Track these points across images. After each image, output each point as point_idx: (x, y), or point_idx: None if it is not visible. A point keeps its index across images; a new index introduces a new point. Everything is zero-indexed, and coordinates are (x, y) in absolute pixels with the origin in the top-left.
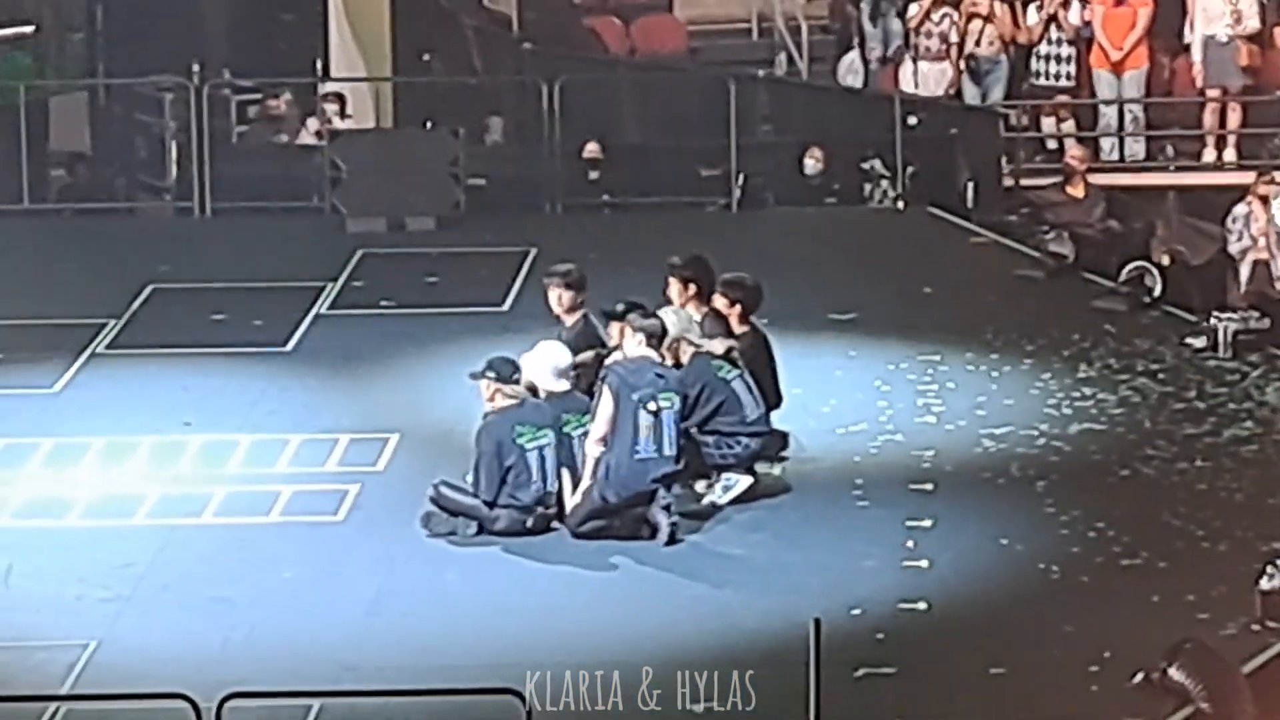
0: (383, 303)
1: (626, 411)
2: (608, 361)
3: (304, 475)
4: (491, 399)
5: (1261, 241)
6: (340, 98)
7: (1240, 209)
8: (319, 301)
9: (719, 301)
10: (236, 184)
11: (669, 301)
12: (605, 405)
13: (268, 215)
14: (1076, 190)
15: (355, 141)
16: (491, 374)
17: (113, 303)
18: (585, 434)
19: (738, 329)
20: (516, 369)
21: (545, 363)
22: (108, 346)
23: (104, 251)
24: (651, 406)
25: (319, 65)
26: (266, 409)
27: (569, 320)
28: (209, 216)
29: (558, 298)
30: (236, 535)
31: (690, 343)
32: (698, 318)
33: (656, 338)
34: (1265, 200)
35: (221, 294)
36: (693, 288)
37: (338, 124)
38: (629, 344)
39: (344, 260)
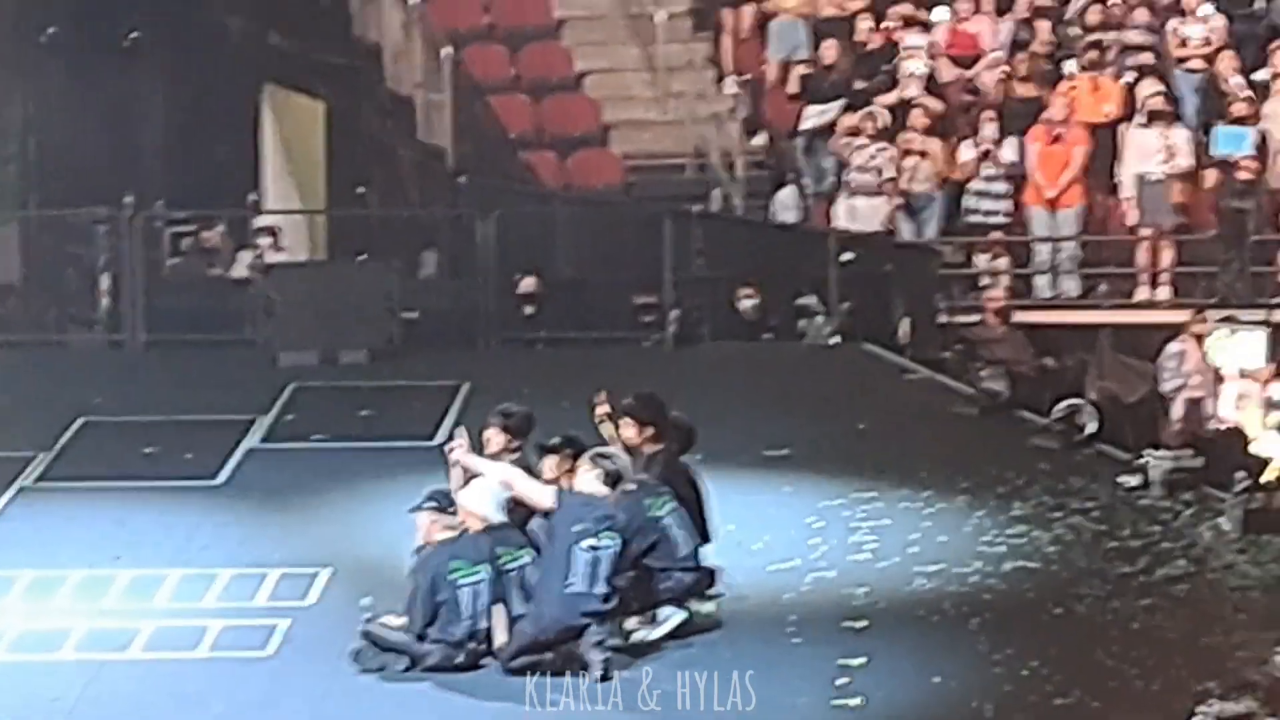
0: (314, 436)
1: (563, 543)
2: (561, 483)
3: (234, 610)
4: (428, 532)
5: (1194, 380)
6: (274, 230)
7: (1173, 347)
8: (251, 435)
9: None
10: (169, 316)
11: (598, 429)
12: (540, 491)
13: (200, 348)
14: (998, 327)
15: (289, 274)
16: (431, 504)
17: (43, 436)
18: (520, 568)
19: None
20: (454, 502)
21: (489, 493)
22: (37, 480)
23: (34, 384)
24: (589, 543)
25: (253, 197)
26: (197, 543)
27: (507, 459)
28: (141, 349)
29: (489, 439)
30: (165, 670)
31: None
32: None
33: (613, 479)
34: (1200, 339)
35: (153, 427)
36: (650, 429)
37: (271, 256)
38: (583, 479)
39: (276, 393)
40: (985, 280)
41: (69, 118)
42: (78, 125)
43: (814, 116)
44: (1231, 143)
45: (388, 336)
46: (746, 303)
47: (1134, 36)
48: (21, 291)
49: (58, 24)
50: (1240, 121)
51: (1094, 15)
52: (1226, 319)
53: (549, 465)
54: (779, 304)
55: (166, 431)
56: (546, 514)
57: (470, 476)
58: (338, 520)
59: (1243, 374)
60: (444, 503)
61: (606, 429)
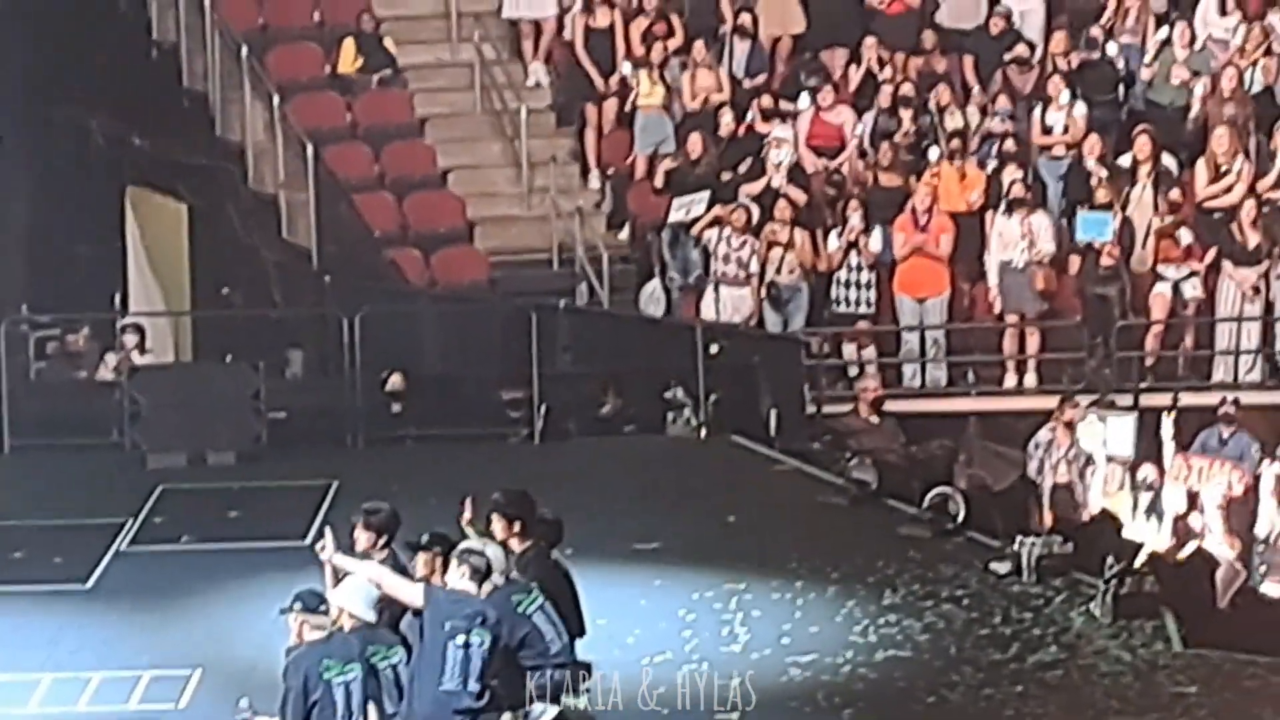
0: (183, 538)
1: (436, 640)
2: (432, 580)
3: (105, 714)
4: (299, 632)
5: (1063, 467)
6: (140, 332)
7: (1042, 434)
8: (119, 538)
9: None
10: (35, 421)
11: (464, 534)
12: (409, 588)
13: (67, 452)
14: (870, 417)
15: (154, 376)
16: (299, 605)
17: None
18: (392, 666)
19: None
20: (324, 601)
21: (359, 591)
22: None
23: None
24: (461, 640)
25: (118, 300)
26: (67, 647)
27: (376, 558)
28: (7, 454)
29: (357, 538)
30: None
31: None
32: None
33: (481, 574)
34: (1069, 426)
35: (20, 532)
36: (518, 524)
37: (137, 359)
38: (452, 575)
39: (144, 496)
40: (854, 370)
41: None
42: None
43: (680, 209)
44: (1093, 228)
45: (255, 437)
46: (606, 407)
47: (996, 124)
48: None
49: None
50: (1103, 207)
51: (956, 103)
52: (1095, 404)
53: (419, 563)
54: (646, 397)
55: (34, 536)
56: (417, 612)
57: (342, 575)
58: (209, 622)
59: (1112, 459)
60: (313, 603)
61: (473, 531)
